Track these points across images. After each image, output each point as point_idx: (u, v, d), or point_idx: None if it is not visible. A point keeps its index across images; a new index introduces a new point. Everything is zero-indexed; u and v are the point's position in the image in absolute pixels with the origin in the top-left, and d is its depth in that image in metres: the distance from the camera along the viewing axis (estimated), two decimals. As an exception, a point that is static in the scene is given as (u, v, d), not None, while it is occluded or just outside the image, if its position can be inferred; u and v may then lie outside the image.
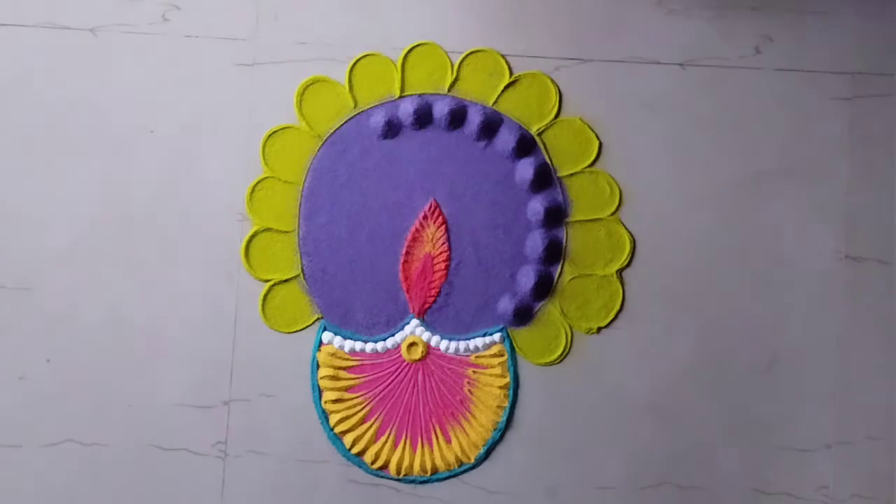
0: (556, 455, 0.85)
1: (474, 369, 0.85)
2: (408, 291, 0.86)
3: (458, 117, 0.86)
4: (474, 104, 0.87)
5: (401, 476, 0.85)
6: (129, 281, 0.85)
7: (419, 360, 0.86)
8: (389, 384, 0.85)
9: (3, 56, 0.86)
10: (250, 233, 0.86)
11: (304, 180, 0.86)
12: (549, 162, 0.87)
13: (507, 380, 0.85)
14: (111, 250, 0.85)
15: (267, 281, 0.86)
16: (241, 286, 0.86)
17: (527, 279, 0.85)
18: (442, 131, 0.87)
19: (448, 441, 0.85)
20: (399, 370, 0.86)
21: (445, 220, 0.86)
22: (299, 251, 0.86)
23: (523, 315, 0.86)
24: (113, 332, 0.85)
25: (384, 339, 0.86)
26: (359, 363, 0.85)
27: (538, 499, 0.85)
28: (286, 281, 0.86)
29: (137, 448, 0.84)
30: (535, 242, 0.85)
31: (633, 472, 0.85)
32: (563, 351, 0.86)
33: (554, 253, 0.86)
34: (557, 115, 0.87)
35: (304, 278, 0.86)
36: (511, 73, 0.87)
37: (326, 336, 0.85)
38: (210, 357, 0.85)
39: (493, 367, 0.85)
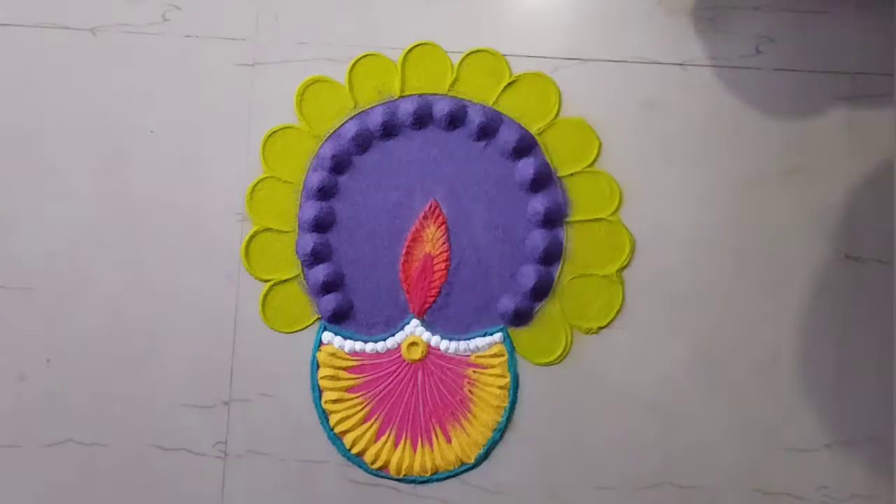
0: (556, 455, 0.85)
1: (474, 369, 0.85)
2: (408, 291, 0.86)
3: (457, 117, 0.86)
4: (474, 104, 0.87)
5: (401, 476, 0.85)
6: (129, 281, 0.85)
7: (419, 360, 0.85)
8: (389, 384, 0.85)
9: (3, 56, 0.86)
10: (250, 233, 0.86)
11: (304, 180, 0.86)
12: (549, 162, 0.87)
13: (507, 380, 0.85)
14: (111, 250, 0.85)
15: (267, 281, 0.86)
16: (241, 286, 0.86)
17: (527, 279, 0.85)
18: (442, 131, 0.87)
19: (448, 441, 0.85)
20: (399, 370, 0.86)
21: (445, 220, 0.86)
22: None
23: (523, 315, 0.86)
24: (113, 332, 0.85)
25: (384, 339, 0.86)
26: (359, 363, 0.85)
27: (538, 499, 0.85)
28: (286, 281, 0.86)
29: (137, 448, 0.84)
30: (535, 242, 0.85)
31: (633, 472, 0.85)
32: (563, 351, 0.86)
33: (554, 253, 0.86)
34: (557, 115, 0.87)
35: (305, 278, 0.86)
36: (511, 73, 0.87)
37: (326, 336, 0.85)
38: (210, 357, 0.85)
39: (493, 367, 0.85)
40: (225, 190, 0.86)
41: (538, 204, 0.86)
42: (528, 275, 0.85)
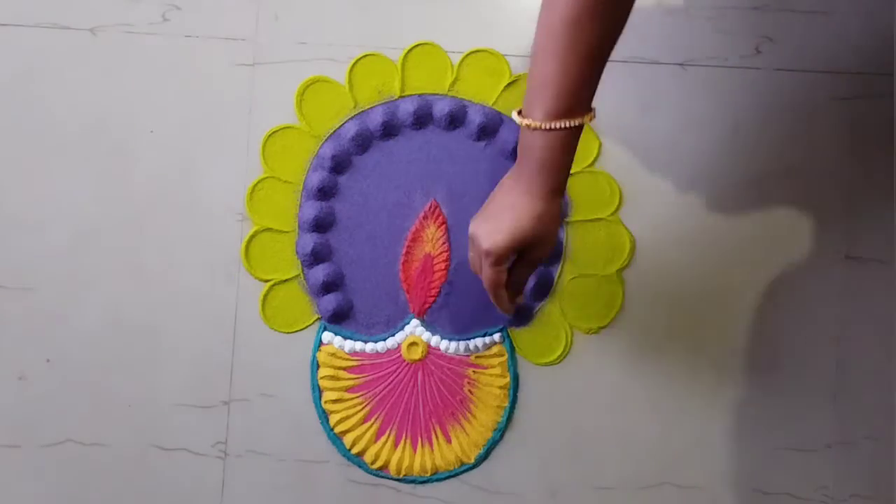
0: (556, 455, 0.85)
1: (474, 369, 0.85)
2: (408, 291, 0.86)
3: (457, 117, 0.86)
4: (474, 104, 0.87)
5: (401, 476, 0.85)
6: (129, 281, 0.85)
7: (419, 360, 0.85)
8: (389, 384, 0.85)
9: (3, 56, 0.86)
10: (250, 233, 0.86)
11: (304, 180, 0.86)
12: (549, 162, 0.86)
13: (507, 380, 0.85)
14: (111, 250, 0.85)
15: (267, 281, 0.86)
16: (241, 286, 0.86)
17: (527, 279, 0.85)
18: (442, 131, 0.87)
19: (448, 441, 0.85)
20: (399, 370, 0.86)
21: (445, 220, 0.86)
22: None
23: (523, 315, 0.86)
24: (113, 332, 0.85)
25: (384, 339, 0.86)
26: (359, 363, 0.85)
27: (538, 499, 0.85)
28: (286, 281, 0.86)
29: (137, 448, 0.84)
30: (535, 242, 0.85)
31: (633, 472, 0.85)
32: (563, 351, 0.86)
33: (554, 253, 0.86)
34: (557, 115, 0.87)
35: (305, 278, 0.86)
36: (511, 73, 0.87)
37: (326, 336, 0.85)
38: (210, 357, 0.85)
39: (493, 367, 0.85)
40: (225, 190, 0.86)
41: (538, 204, 0.85)
42: (528, 275, 0.85)
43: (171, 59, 0.87)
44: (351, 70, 0.87)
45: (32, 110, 0.86)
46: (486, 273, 0.66)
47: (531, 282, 0.85)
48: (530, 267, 0.67)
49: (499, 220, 0.64)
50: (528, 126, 0.60)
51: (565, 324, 0.86)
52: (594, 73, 0.60)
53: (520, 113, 0.62)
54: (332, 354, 0.85)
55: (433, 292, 0.86)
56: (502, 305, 0.69)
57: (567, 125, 0.59)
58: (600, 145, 0.87)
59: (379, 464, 0.84)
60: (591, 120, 0.61)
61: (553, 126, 0.59)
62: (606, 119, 0.87)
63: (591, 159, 0.87)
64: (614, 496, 0.85)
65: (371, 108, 0.87)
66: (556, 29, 0.57)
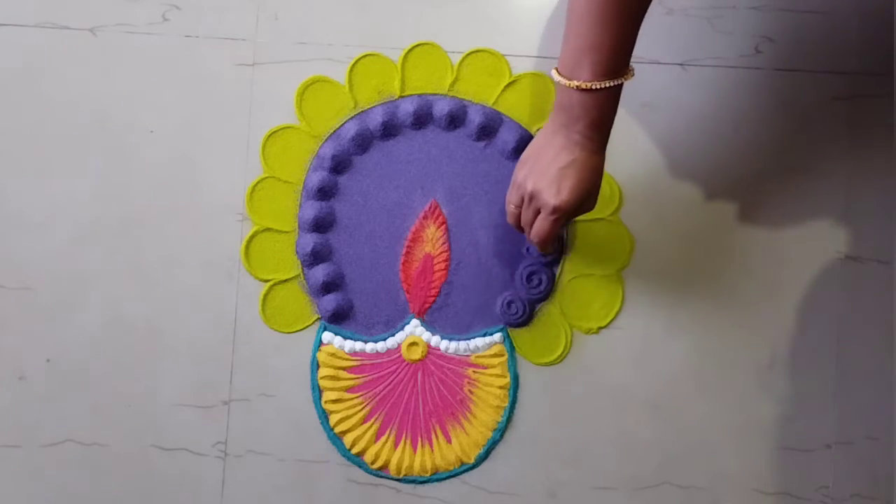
0: (556, 455, 0.85)
1: (474, 369, 0.85)
2: (408, 291, 0.86)
3: (457, 117, 0.86)
4: (474, 104, 0.87)
5: (401, 476, 0.85)
6: (129, 281, 0.85)
7: (419, 360, 0.85)
8: (389, 384, 0.85)
9: (3, 56, 0.86)
10: (250, 233, 0.86)
11: (304, 180, 0.86)
12: (549, 162, 0.86)
13: (507, 380, 0.85)
14: (111, 250, 0.86)
15: (267, 281, 0.86)
16: (241, 286, 0.86)
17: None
18: (441, 131, 0.87)
19: (448, 441, 0.85)
20: (399, 370, 0.86)
21: (445, 220, 0.86)
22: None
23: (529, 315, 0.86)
24: (113, 332, 0.85)
25: (384, 339, 0.86)
26: (359, 363, 0.85)
27: (538, 499, 0.85)
28: (286, 281, 0.86)
29: (137, 448, 0.84)
30: (535, 242, 0.85)
31: (633, 472, 0.85)
32: (563, 351, 0.86)
33: (554, 253, 0.86)
34: (557, 115, 0.87)
35: (304, 278, 0.86)
36: (511, 73, 0.87)
37: (326, 336, 0.85)
38: (210, 357, 0.85)
39: (493, 367, 0.85)
40: (225, 190, 0.86)
41: (538, 204, 0.85)
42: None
43: (171, 59, 0.87)
44: (351, 70, 0.87)
45: (32, 110, 0.86)
46: (544, 226, 0.69)
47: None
48: (574, 217, 0.73)
49: (563, 177, 0.67)
50: (578, 87, 0.63)
51: (565, 324, 0.86)
52: (636, 32, 0.64)
53: (559, 73, 0.65)
54: (332, 354, 0.85)
55: (433, 292, 0.86)
56: (546, 250, 0.78)
57: (617, 83, 0.63)
58: (600, 145, 0.87)
59: (379, 464, 0.84)
60: (632, 76, 0.65)
61: (605, 86, 0.63)
62: (606, 119, 0.87)
63: (591, 159, 0.87)
64: (614, 496, 0.85)
65: (371, 108, 0.87)
66: None
